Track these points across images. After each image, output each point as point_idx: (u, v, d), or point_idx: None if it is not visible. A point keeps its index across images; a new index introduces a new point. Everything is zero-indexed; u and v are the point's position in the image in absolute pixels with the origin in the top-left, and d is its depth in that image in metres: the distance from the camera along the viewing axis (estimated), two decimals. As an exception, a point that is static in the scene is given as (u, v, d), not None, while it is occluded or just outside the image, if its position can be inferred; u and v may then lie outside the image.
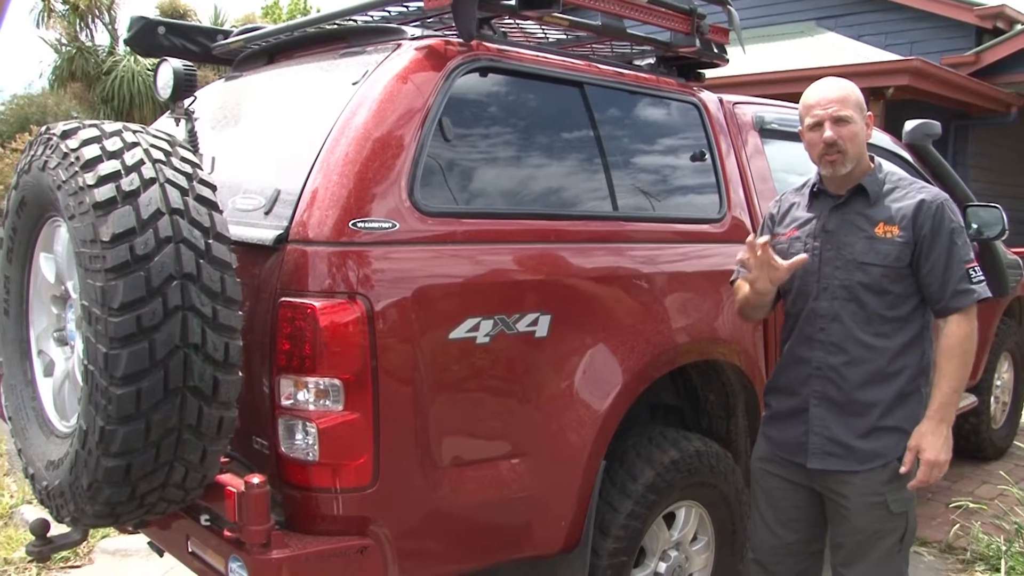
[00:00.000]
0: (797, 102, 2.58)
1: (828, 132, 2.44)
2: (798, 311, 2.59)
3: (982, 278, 2.41)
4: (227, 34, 3.37)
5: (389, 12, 3.01)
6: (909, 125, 4.67)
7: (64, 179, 2.01)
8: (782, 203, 2.76)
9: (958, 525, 4.28)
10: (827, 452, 2.50)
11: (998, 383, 5.47)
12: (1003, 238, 4.63)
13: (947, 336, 2.40)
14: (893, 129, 4.96)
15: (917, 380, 2.49)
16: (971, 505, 4.39)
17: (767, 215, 2.81)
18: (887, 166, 2.64)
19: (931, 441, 2.38)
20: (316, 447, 2.12)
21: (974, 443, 5.37)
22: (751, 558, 2.78)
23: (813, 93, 2.52)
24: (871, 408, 2.46)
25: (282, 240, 2.19)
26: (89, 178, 1.94)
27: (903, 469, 2.41)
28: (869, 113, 2.52)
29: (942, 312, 2.42)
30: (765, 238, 2.45)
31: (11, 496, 4.76)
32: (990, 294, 2.42)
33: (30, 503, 4.57)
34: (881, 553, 2.48)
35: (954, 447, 5.50)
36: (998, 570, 3.85)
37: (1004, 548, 3.98)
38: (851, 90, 2.50)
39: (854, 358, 2.47)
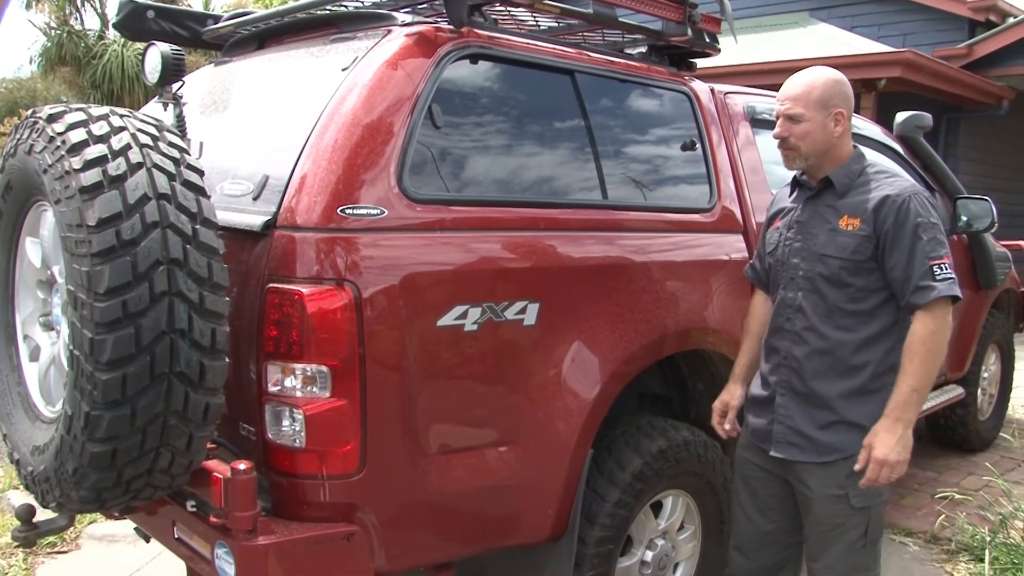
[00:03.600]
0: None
1: (776, 128, 2.47)
2: (772, 299, 2.65)
3: (949, 276, 2.32)
4: (217, 19, 3.34)
5: (380, -2, 3.00)
6: (900, 117, 4.69)
7: (50, 163, 2.00)
8: (777, 196, 2.77)
9: (943, 516, 4.30)
10: (789, 442, 2.51)
11: (985, 375, 5.49)
12: (992, 231, 4.65)
13: (910, 333, 2.33)
14: (885, 121, 4.97)
15: (882, 378, 2.43)
16: (957, 496, 4.41)
17: (766, 219, 2.79)
18: (872, 158, 2.61)
19: (883, 439, 2.31)
20: (303, 433, 2.11)
21: (961, 435, 5.39)
22: (732, 545, 2.80)
23: (783, 85, 2.52)
24: (830, 401, 2.45)
25: (270, 226, 2.18)
26: (75, 162, 1.92)
27: (857, 467, 2.37)
28: (839, 110, 2.43)
29: (906, 308, 2.37)
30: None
31: (-2, 481, 4.75)
32: (955, 292, 2.31)
33: (16, 488, 4.55)
34: (843, 547, 2.47)
35: (941, 438, 5.56)
36: (982, 560, 3.87)
37: (988, 539, 4.00)
38: (814, 86, 2.44)
39: (815, 349, 2.47)
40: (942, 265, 2.33)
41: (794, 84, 2.48)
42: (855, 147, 2.54)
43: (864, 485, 2.38)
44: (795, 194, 2.63)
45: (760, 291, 2.81)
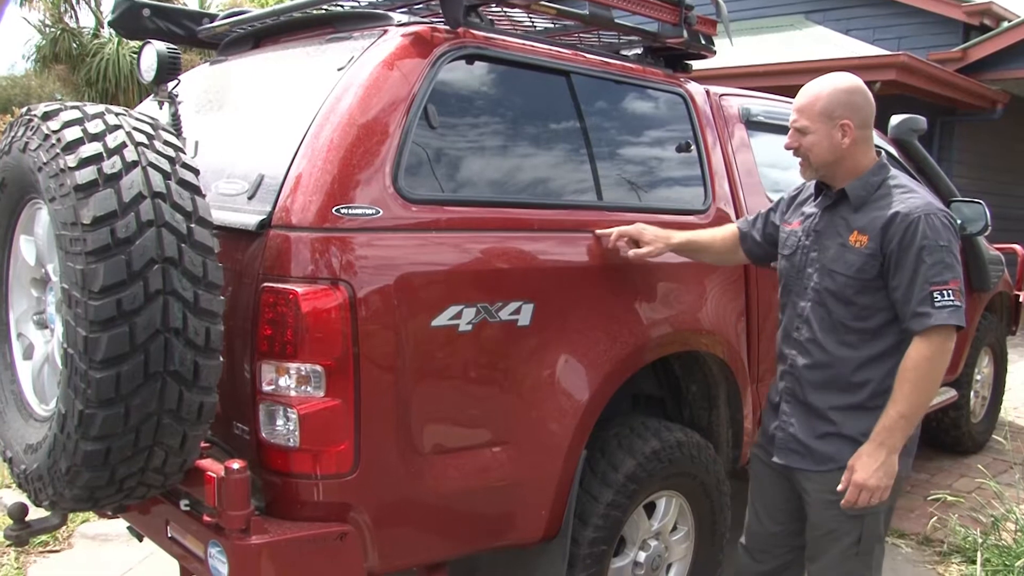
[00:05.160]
0: (784, 95, 2.57)
1: (787, 139, 2.47)
2: (783, 304, 2.62)
3: (951, 303, 2.22)
4: (213, 17, 3.34)
5: (376, -2, 3.00)
6: (895, 120, 4.70)
7: (45, 161, 1.99)
8: (802, 192, 2.67)
9: (936, 518, 4.31)
10: (790, 449, 2.53)
11: (978, 378, 5.51)
12: (986, 234, 4.67)
13: (904, 358, 2.28)
14: (879, 124, 4.97)
15: (882, 396, 2.36)
16: (949, 498, 4.42)
17: (788, 197, 2.73)
18: (894, 170, 2.50)
19: (864, 463, 2.30)
20: (297, 433, 2.11)
21: (954, 437, 5.41)
22: (740, 542, 2.81)
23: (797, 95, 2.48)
24: (827, 413, 2.45)
25: (265, 225, 2.18)
26: (70, 160, 1.92)
27: (839, 487, 2.36)
28: (845, 121, 2.36)
29: (905, 331, 2.31)
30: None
31: (-10, 480, 4.74)
32: (955, 322, 2.22)
33: (9, 487, 4.54)
34: (837, 552, 2.48)
35: (934, 440, 5.56)
36: (974, 562, 3.89)
37: (980, 540, 4.02)
38: (819, 97, 2.39)
39: (816, 362, 2.46)
40: (944, 291, 2.23)
41: (803, 94, 2.44)
42: (879, 155, 2.47)
43: (844, 507, 2.37)
44: (818, 199, 2.55)
45: (734, 231, 2.85)
